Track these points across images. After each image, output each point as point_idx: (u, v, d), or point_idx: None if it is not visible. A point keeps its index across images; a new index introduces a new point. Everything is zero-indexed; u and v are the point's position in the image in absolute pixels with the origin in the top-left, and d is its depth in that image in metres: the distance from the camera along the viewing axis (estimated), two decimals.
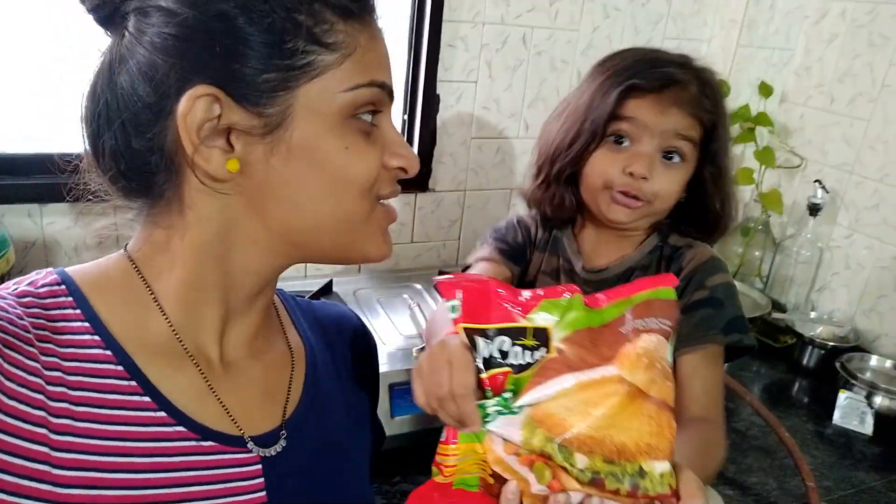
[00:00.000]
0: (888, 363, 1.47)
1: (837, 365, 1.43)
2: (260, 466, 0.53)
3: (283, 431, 0.57)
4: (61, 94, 1.13)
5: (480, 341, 0.55)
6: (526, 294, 0.57)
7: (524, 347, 0.55)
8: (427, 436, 0.80)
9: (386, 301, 1.34)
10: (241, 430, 0.54)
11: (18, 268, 1.13)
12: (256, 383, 0.57)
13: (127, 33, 0.47)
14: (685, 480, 0.53)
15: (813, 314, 1.66)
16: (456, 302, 0.55)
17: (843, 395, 1.36)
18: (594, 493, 0.53)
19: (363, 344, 0.72)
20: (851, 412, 1.34)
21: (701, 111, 0.82)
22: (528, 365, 0.55)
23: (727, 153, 0.88)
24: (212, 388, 0.53)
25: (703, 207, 0.88)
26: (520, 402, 0.55)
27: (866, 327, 1.59)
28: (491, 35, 1.45)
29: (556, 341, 0.56)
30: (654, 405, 0.54)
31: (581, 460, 0.53)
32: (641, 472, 0.53)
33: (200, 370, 0.53)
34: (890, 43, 1.51)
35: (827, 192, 1.61)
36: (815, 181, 1.61)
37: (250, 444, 0.54)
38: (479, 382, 0.56)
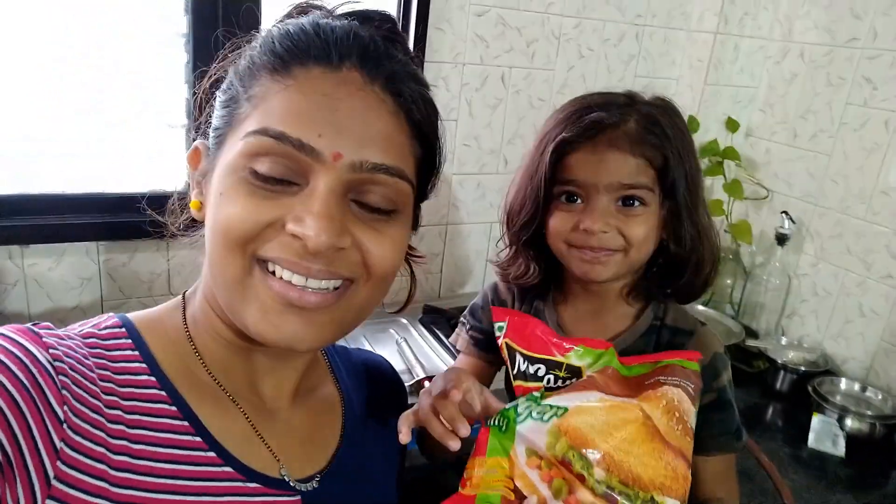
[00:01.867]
0: (857, 386, 1.53)
1: (809, 389, 1.49)
2: None
3: (324, 476, 0.59)
4: (61, 94, 1.14)
5: (519, 356, 0.63)
6: (567, 340, 0.67)
7: (556, 377, 0.63)
8: (412, 472, 0.81)
9: (372, 336, 1.35)
10: (283, 473, 0.55)
11: None
12: (299, 430, 0.59)
13: None
14: None
15: (784, 340, 1.72)
16: (503, 323, 0.66)
17: (816, 419, 1.41)
18: None
19: (395, 390, 0.75)
20: (824, 435, 1.38)
21: (646, 149, 0.73)
22: (559, 388, 0.62)
23: (691, 185, 0.76)
24: (257, 432, 0.55)
25: (676, 254, 0.78)
26: (548, 401, 0.60)
27: (835, 351, 1.65)
28: (471, 75, 1.50)
29: (588, 372, 0.64)
30: (672, 453, 0.58)
31: (599, 473, 0.57)
32: (653, 501, 0.56)
33: (245, 415, 0.55)
34: (846, 84, 1.60)
35: (793, 223, 1.68)
36: (782, 212, 1.68)
37: (293, 487, 0.55)
38: (514, 390, 0.64)
